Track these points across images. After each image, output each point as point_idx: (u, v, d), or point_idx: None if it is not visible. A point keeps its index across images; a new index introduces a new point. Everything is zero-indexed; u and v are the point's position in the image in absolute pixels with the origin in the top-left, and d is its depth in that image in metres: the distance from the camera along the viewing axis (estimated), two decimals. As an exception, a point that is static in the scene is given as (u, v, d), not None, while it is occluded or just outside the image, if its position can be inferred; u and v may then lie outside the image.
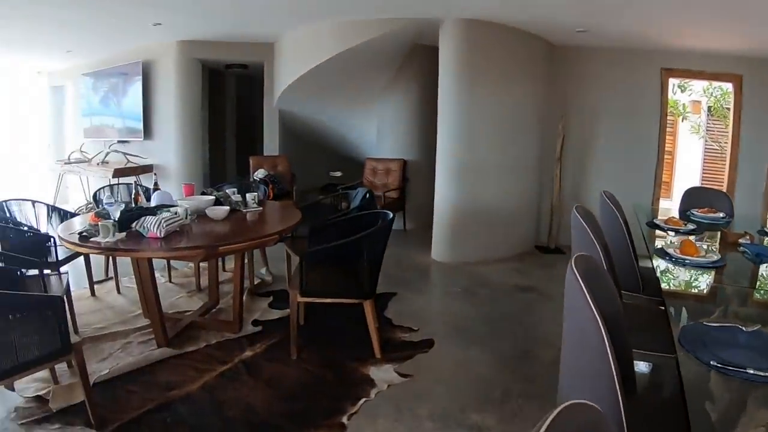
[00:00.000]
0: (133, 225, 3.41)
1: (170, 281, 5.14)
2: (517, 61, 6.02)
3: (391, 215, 3.52)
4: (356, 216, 4.16)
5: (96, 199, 5.30)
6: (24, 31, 6.18)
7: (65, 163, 8.45)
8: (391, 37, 5.95)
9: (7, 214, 4.62)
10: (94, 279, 4.97)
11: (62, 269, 4.02)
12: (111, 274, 5.23)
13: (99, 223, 3.32)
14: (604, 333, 1.52)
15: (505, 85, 5.91)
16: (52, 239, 4.09)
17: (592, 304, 1.56)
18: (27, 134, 21.24)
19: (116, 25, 6.11)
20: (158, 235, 3.30)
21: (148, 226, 3.33)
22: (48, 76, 10.72)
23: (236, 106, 9.60)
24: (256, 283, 5.09)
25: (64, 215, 4.84)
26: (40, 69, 10.60)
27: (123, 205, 3.80)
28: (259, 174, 6.72)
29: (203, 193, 4.70)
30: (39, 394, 3.13)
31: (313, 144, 8.30)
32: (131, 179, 6.81)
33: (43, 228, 4.75)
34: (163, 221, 3.30)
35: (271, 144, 7.70)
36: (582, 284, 1.60)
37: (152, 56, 7.41)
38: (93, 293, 4.92)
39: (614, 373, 1.49)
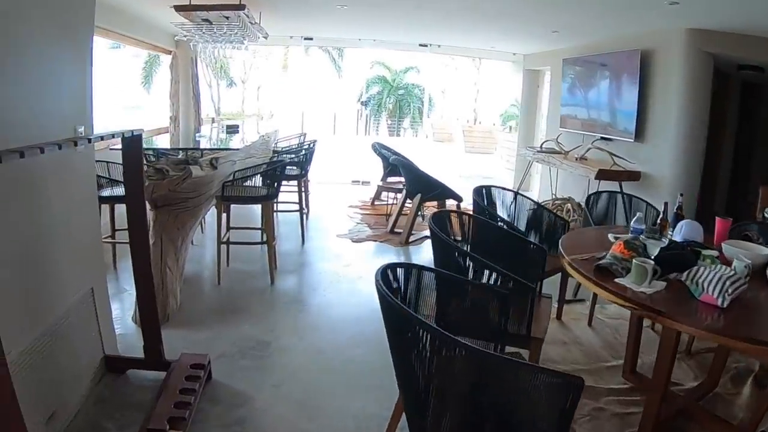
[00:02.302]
0: (684, 276, 2.50)
1: (652, 328, 4.22)
2: None
3: None
4: None
5: (589, 205, 4.60)
6: (516, 5, 5.90)
7: (537, 151, 8.21)
8: None
9: (483, 201, 4.28)
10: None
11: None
12: (582, 295, 4.68)
13: (634, 260, 2.52)
14: None
15: None
16: (544, 252, 3.55)
17: None
18: (487, 116, 22.98)
19: (617, 3, 5.38)
20: (717, 303, 2.31)
21: (704, 283, 2.37)
22: (524, 59, 10.88)
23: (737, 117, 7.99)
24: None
25: (539, 218, 4.31)
26: (516, 51, 10.82)
27: (664, 240, 2.91)
28: (772, 213, 5.17)
29: (746, 236, 3.41)
30: None
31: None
32: (614, 185, 6.09)
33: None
34: (728, 282, 2.31)
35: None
36: None
37: (651, 45, 6.51)
38: (559, 316, 4.41)
39: None
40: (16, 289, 2.35)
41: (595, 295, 4.30)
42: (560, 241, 3.27)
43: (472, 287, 2.65)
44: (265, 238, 4.96)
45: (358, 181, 10.25)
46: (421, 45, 10.55)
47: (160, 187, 3.92)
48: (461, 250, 2.99)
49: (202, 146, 5.57)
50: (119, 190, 4.61)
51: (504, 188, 4.61)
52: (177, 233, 4.15)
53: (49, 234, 2.61)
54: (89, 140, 2.02)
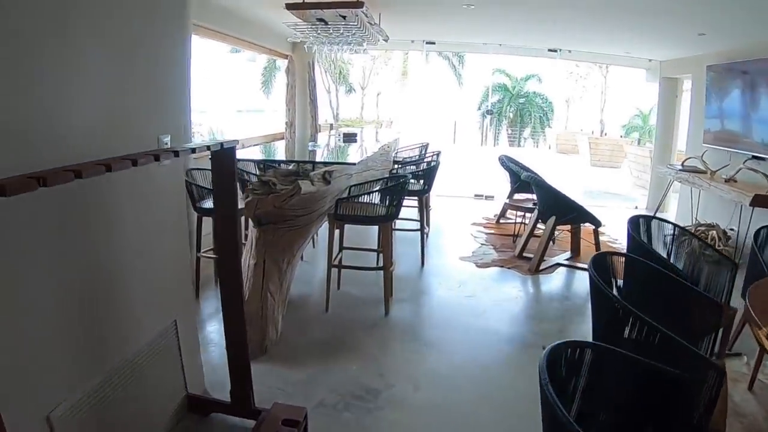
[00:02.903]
0: None
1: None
2: None
3: None
4: None
5: (758, 242, 3.67)
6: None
7: (679, 170, 7.26)
8: None
9: (640, 236, 3.52)
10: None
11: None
12: (740, 347, 3.82)
13: None
14: None
15: None
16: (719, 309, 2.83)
17: None
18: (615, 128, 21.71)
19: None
20: None
21: None
22: (661, 66, 9.74)
23: None
24: None
25: (698, 255, 3.50)
26: (652, 57, 9.69)
27: None
28: None
29: None
30: None
31: None
32: (765, 213, 5.18)
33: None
34: None
35: None
36: None
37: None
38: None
39: None
40: (82, 326, 1.95)
41: (761, 353, 3.44)
42: (746, 299, 2.49)
43: (647, 366, 1.97)
44: (381, 263, 4.44)
45: (482, 196, 9.55)
46: (550, 50, 9.68)
47: (265, 203, 3.46)
48: (626, 307, 2.28)
49: (316, 159, 5.09)
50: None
51: (662, 219, 3.82)
52: (282, 254, 3.68)
53: (124, 261, 2.19)
54: (156, 158, 1.54)
